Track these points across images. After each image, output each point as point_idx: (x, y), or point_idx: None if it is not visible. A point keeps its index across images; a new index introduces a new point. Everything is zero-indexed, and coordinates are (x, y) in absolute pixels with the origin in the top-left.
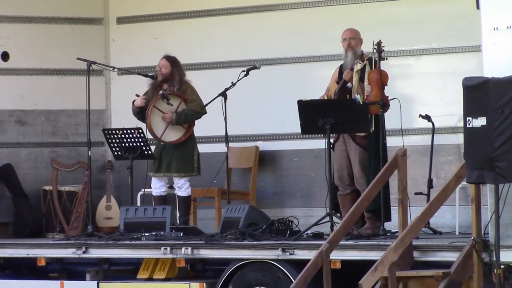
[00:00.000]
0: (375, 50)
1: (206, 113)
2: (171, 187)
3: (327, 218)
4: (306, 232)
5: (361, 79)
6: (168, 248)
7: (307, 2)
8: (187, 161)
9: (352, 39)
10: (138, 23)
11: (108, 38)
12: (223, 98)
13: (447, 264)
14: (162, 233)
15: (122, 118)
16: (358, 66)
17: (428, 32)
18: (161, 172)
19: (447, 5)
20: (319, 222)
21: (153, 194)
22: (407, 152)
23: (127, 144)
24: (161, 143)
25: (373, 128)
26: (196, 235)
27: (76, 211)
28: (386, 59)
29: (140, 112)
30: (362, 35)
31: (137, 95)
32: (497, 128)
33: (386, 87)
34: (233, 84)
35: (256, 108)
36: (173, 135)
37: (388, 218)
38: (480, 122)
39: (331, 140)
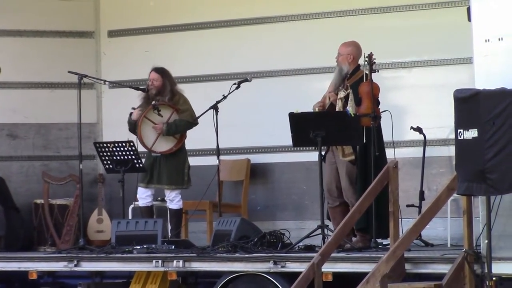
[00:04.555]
0: (366, 62)
1: (197, 123)
2: (162, 199)
3: (319, 231)
4: (297, 244)
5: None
6: (160, 261)
7: (298, 15)
8: (178, 173)
9: (339, 54)
10: (129, 36)
11: (99, 51)
12: (214, 111)
13: (439, 276)
14: (153, 246)
15: (113, 131)
16: (341, 94)
17: (420, 44)
18: (152, 184)
19: (439, 17)
20: (311, 235)
21: (140, 205)
22: (398, 164)
23: (118, 157)
24: (152, 154)
25: (364, 140)
26: (188, 248)
27: (67, 224)
28: (378, 71)
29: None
30: None
31: (133, 108)
32: (489, 140)
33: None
34: (225, 97)
35: (247, 121)
36: (164, 146)
37: (385, 235)
38: (471, 134)
39: (323, 152)
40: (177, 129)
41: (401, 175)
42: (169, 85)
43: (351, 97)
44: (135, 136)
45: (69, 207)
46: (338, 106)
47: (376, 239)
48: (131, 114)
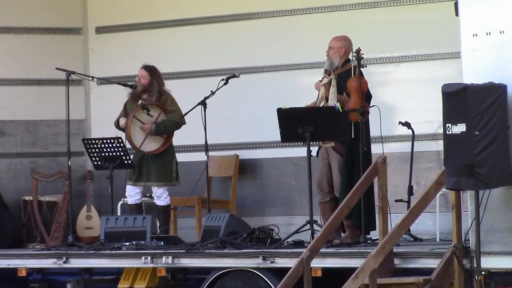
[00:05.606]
0: (354, 58)
1: (185, 123)
2: (150, 196)
3: (308, 226)
4: (286, 240)
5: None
6: (149, 257)
7: (286, 10)
8: (166, 170)
9: (330, 48)
10: (117, 32)
11: (87, 47)
12: (202, 107)
13: (428, 271)
14: (142, 242)
15: (102, 127)
16: (324, 80)
17: (408, 39)
18: (141, 181)
19: (426, 12)
20: (300, 230)
21: (128, 203)
22: (387, 159)
23: (107, 154)
24: (140, 153)
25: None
26: (177, 244)
27: (56, 221)
28: (365, 67)
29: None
30: None
31: (122, 117)
32: (477, 134)
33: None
34: (213, 93)
35: (236, 117)
36: (152, 145)
37: (373, 227)
38: (459, 128)
39: (315, 148)
40: (166, 130)
41: (390, 170)
42: (156, 84)
43: (333, 82)
44: (124, 133)
45: (58, 204)
46: (321, 92)
47: (365, 235)
48: (118, 120)
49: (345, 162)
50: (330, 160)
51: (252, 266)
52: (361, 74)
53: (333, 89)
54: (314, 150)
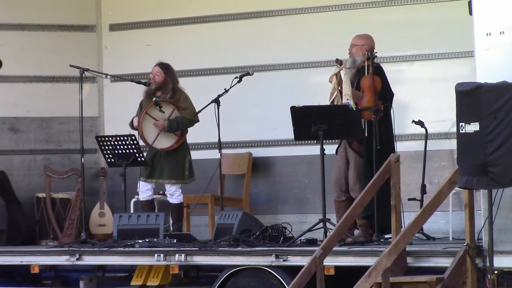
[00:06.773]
0: (368, 56)
1: (198, 121)
2: (163, 193)
3: (321, 224)
4: (299, 238)
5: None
6: (162, 255)
7: (300, 8)
8: (178, 168)
9: (353, 45)
10: (131, 30)
11: (100, 45)
12: (216, 104)
13: (440, 270)
14: (155, 240)
15: (115, 125)
16: (336, 70)
17: (421, 37)
18: (154, 178)
19: (440, 10)
20: (313, 228)
21: (140, 199)
22: (400, 157)
23: (120, 151)
24: (153, 149)
25: (366, 134)
26: (190, 241)
27: (69, 218)
28: (379, 65)
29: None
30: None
31: (135, 118)
32: (490, 134)
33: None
34: (226, 91)
35: (249, 115)
36: (165, 142)
37: (387, 230)
38: (473, 127)
39: (332, 146)
40: (179, 127)
41: (403, 169)
42: (171, 82)
43: (345, 71)
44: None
45: (71, 201)
46: (333, 83)
47: (378, 233)
48: (132, 121)
49: (364, 161)
50: (349, 157)
51: (265, 264)
52: (378, 72)
53: (345, 78)
54: (331, 148)
